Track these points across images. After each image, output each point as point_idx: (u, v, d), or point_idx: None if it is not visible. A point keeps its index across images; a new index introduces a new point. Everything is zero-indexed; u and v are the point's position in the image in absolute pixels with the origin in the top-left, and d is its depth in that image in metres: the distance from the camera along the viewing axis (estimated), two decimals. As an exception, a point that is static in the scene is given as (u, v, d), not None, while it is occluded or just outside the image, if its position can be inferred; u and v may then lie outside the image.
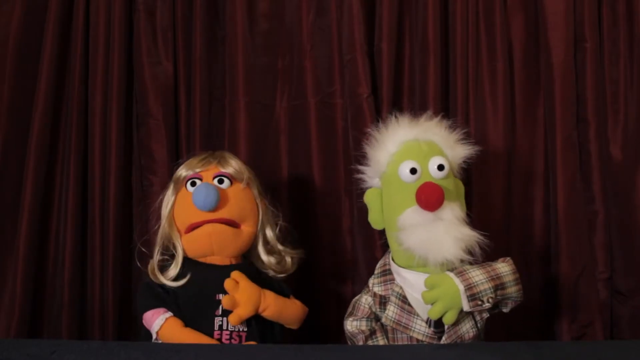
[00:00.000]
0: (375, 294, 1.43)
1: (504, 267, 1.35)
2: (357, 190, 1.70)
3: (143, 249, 1.55)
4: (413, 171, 1.37)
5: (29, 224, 1.70)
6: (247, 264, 1.51)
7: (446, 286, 1.29)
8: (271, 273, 1.53)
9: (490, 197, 1.73)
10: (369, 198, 1.46)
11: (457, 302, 1.29)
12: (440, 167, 1.37)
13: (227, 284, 1.39)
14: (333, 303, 1.77)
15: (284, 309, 1.46)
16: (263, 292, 1.43)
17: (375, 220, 1.45)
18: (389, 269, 1.43)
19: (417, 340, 1.37)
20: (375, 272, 1.47)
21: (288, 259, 1.54)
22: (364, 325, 1.44)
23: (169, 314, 1.40)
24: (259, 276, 1.49)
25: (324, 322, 1.75)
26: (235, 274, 1.41)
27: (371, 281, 1.46)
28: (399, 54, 1.77)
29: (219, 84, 1.81)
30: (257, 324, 1.44)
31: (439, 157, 1.39)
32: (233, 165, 1.50)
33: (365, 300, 1.45)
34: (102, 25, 1.77)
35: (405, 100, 1.78)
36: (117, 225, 1.74)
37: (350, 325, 1.45)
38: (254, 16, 1.81)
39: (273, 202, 1.56)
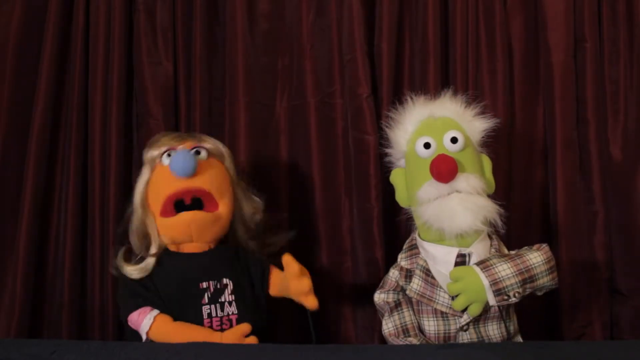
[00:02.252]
0: (402, 268, 1.46)
1: (536, 258, 1.35)
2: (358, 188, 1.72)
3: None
4: (427, 146, 1.40)
5: (29, 224, 1.70)
6: (224, 247, 1.50)
7: (470, 280, 1.30)
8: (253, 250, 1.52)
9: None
10: (394, 178, 1.50)
11: (481, 296, 1.30)
12: (454, 140, 1.39)
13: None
14: (333, 303, 1.76)
15: None
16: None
17: (401, 198, 1.49)
18: (415, 244, 1.46)
19: (441, 312, 1.39)
20: (404, 247, 1.50)
21: (272, 247, 1.55)
22: (390, 297, 1.47)
23: (156, 311, 1.38)
24: (236, 259, 1.49)
25: (323, 322, 1.75)
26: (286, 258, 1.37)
27: (399, 256, 1.49)
28: (399, 54, 1.77)
29: (219, 84, 1.81)
30: (244, 305, 1.43)
31: (453, 130, 1.41)
32: (209, 142, 1.51)
33: (392, 274, 1.48)
34: (102, 25, 1.77)
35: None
36: (117, 226, 1.73)
37: (378, 297, 1.48)
38: (254, 16, 1.81)
39: (252, 189, 1.55)
